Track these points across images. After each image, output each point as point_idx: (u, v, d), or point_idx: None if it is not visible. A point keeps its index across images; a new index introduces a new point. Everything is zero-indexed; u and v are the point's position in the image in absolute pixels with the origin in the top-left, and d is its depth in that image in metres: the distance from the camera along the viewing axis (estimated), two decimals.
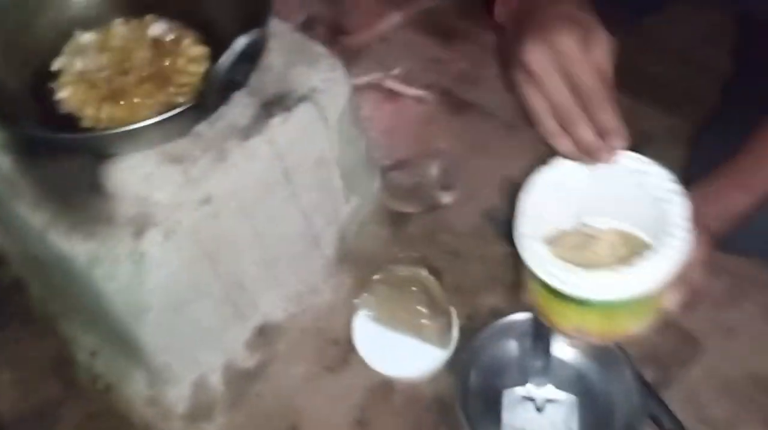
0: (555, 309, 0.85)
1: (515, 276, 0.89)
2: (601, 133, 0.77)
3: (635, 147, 1.26)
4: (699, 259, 0.86)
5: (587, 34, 0.76)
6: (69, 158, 1.03)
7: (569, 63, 0.75)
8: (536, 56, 0.77)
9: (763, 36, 1.14)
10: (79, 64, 1.09)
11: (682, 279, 0.83)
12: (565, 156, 0.82)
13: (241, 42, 0.90)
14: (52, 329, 1.25)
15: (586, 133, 0.77)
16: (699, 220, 0.85)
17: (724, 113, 1.23)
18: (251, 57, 0.95)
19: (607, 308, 0.81)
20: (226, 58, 0.90)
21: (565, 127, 0.78)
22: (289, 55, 1.10)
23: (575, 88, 0.76)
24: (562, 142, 0.80)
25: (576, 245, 0.88)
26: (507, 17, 0.88)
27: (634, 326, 0.85)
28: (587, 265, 0.80)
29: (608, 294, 0.78)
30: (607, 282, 0.77)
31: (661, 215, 0.80)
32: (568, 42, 0.75)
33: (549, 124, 0.80)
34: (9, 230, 1.23)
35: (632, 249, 0.85)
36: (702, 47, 1.45)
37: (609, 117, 0.76)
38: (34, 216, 1.01)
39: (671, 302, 0.84)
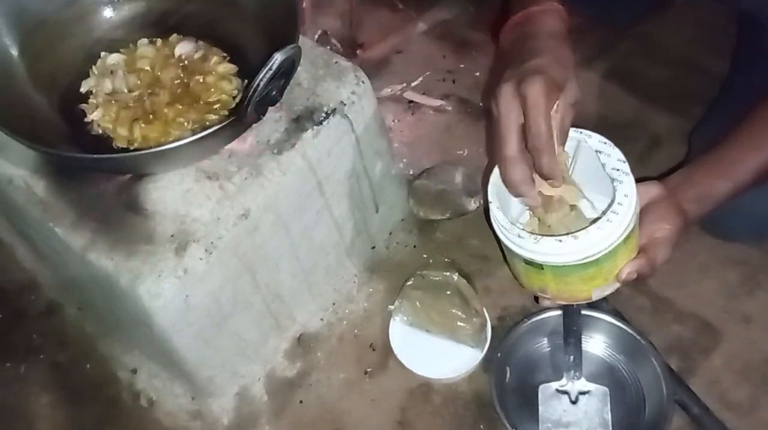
0: (521, 271, 0.97)
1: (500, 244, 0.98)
2: (539, 172, 0.87)
3: (645, 148, 1.30)
4: (666, 237, 0.93)
5: (554, 88, 0.86)
6: (105, 179, 1.04)
7: (528, 108, 0.84)
8: (505, 98, 0.87)
9: (758, 35, 1.18)
10: (108, 85, 1.09)
11: (644, 253, 0.92)
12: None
13: (278, 58, 0.91)
14: (90, 350, 1.26)
15: (515, 174, 0.87)
16: (676, 201, 0.95)
17: (719, 107, 1.26)
18: (286, 73, 0.96)
19: (558, 272, 0.91)
20: (264, 74, 0.92)
21: (501, 163, 0.88)
22: (316, 69, 1.12)
23: (526, 132, 0.86)
24: (503, 172, 0.90)
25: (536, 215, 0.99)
26: (500, 52, 0.96)
27: (589, 291, 0.94)
28: (543, 232, 0.92)
29: (552, 259, 0.89)
30: (551, 249, 0.88)
31: (612, 193, 0.89)
32: (533, 92, 0.84)
33: (496, 156, 0.90)
34: (43, 253, 1.24)
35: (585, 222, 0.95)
36: (703, 50, 1.48)
37: (547, 162, 0.86)
38: (73, 237, 1.02)
39: (625, 273, 0.92)
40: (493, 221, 0.94)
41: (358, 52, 1.48)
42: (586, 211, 0.98)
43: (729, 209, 1.02)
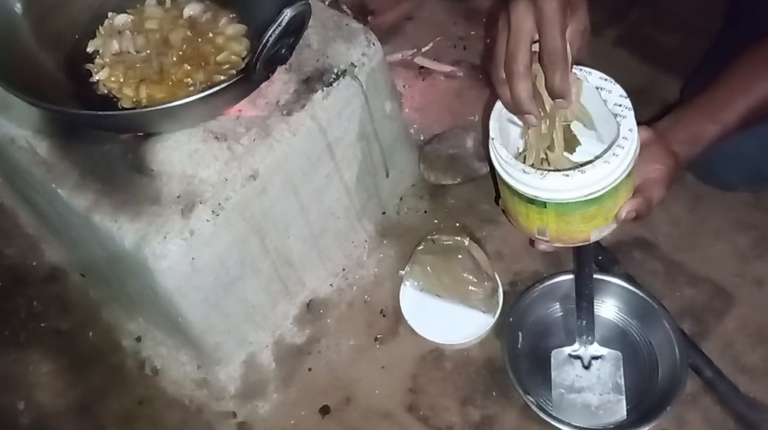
0: (521, 211, 0.94)
1: (495, 187, 0.97)
2: (550, 91, 0.84)
3: (655, 114, 1.29)
4: (660, 177, 0.94)
5: (568, 8, 0.83)
6: (109, 139, 1.02)
7: (544, 23, 0.81)
8: (519, 12, 0.83)
9: None
10: (115, 46, 1.07)
11: (639, 193, 0.93)
12: (504, 104, 0.90)
13: (287, 14, 0.89)
14: (93, 318, 1.24)
15: (523, 90, 0.83)
16: (666, 144, 0.96)
17: (708, 59, 1.27)
18: (296, 30, 0.94)
19: (562, 211, 0.90)
20: (273, 30, 0.89)
21: (509, 78, 0.84)
22: (326, 31, 1.10)
23: (541, 47, 0.83)
24: (504, 92, 0.86)
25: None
26: None
27: (588, 231, 0.93)
28: (545, 169, 0.90)
29: (557, 195, 0.87)
30: (557, 185, 0.86)
31: (616, 128, 0.88)
32: (550, 7, 0.81)
33: (499, 73, 0.86)
34: (46, 217, 1.22)
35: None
36: (713, 16, 1.46)
37: (560, 79, 0.83)
38: (76, 199, 1.01)
39: (624, 212, 0.91)
40: (494, 158, 0.91)
41: (368, 18, 1.46)
42: (573, 156, 0.98)
43: (719, 154, 1.04)
